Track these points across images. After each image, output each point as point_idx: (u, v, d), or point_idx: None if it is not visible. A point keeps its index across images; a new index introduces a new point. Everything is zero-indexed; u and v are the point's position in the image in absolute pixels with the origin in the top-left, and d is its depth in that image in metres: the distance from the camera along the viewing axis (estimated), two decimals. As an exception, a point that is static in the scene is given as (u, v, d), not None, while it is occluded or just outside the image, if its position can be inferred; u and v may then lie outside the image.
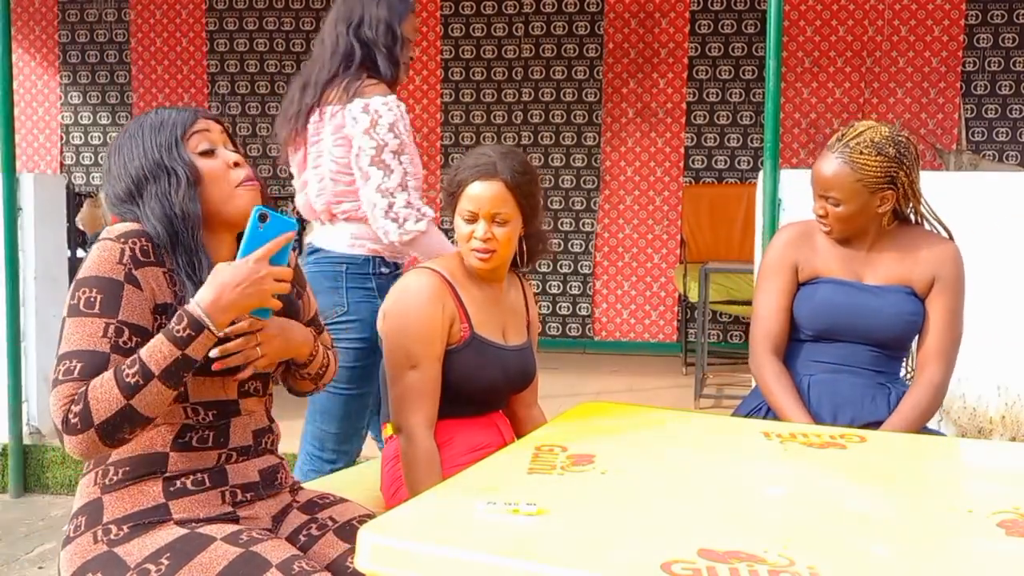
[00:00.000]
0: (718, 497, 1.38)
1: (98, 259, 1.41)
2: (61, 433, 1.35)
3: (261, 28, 6.28)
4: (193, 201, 1.48)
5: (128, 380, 1.34)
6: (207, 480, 1.49)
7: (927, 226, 2.09)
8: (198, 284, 1.45)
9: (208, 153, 1.53)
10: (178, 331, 1.37)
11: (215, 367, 1.44)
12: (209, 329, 1.38)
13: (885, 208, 2.00)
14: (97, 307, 1.38)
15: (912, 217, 2.06)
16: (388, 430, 1.97)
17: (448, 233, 2.19)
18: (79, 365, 1.36)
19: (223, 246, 1.55)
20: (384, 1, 2.35)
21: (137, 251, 1.43)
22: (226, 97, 6.33)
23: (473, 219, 1.85)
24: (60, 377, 1.36)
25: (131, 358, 1.36)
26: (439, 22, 6.10)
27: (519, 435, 2.06)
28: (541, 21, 6.01)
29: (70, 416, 1.34)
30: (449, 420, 1.89)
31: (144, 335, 1.40)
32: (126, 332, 1.39)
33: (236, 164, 1.54)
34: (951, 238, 2.10)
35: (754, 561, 1.08)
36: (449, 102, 6.14)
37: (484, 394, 1.95)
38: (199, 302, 1.39)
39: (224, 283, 1.40)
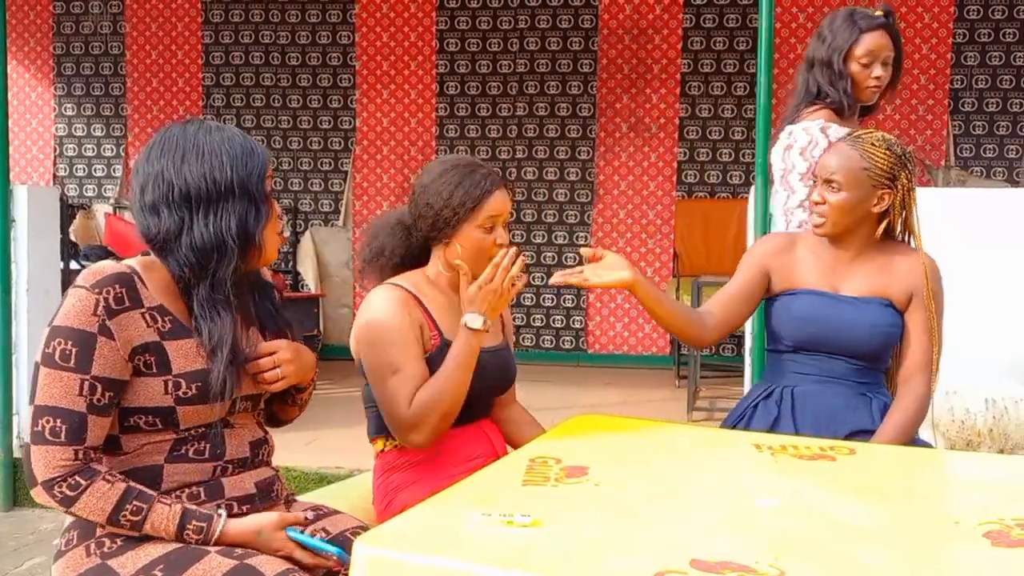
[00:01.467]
0: (710, 508, 1.39)
1: (72, 309, 1.42)
2: (33, 477, 1.40)
3: (257, 41, 6.31)
4: (260, 234, 1.53)
5: (121, 517, 1.41)
6: (202, 493, 1.51)
7: (914, 243, 2.12)
8: (211, 311, 1.48)
9: (270, 196, 1.58)
10: (190, 527, 1.44)
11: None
12: (210, 541, 1.45)
13: (880, 208, 2.03)
14: (72, 361, 1.40)
15: (899, 230, 2.09)
16: (378, 445, 1.98)
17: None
18: (63, 427, 1.40)
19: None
20: (824, 43, 2.55)
21: (111, 300, 1.43)
22: (221, 110, 6.35)
23: (492, 227, 1.89)
24: (47, 435, 1.40)
25: (140, 500, 1.42)
26: (435, 37, 6.14)
27: (507, 437, 2.08)
28: (536, 37, 6.05)
29: (57, 488, 1.39)
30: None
31: (118, 387, 1.44)
32: (99, 388, 1.41)
33: (279, 215, 1.60)
34: (930, 256, 2.13)
35: (746, 571, 1.10)
36: (444, 116, 6.18)
37: (470, 397, 1.96)
38: (228, 528, 1.46)
39: (258, 537, 1.47)
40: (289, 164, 6.34)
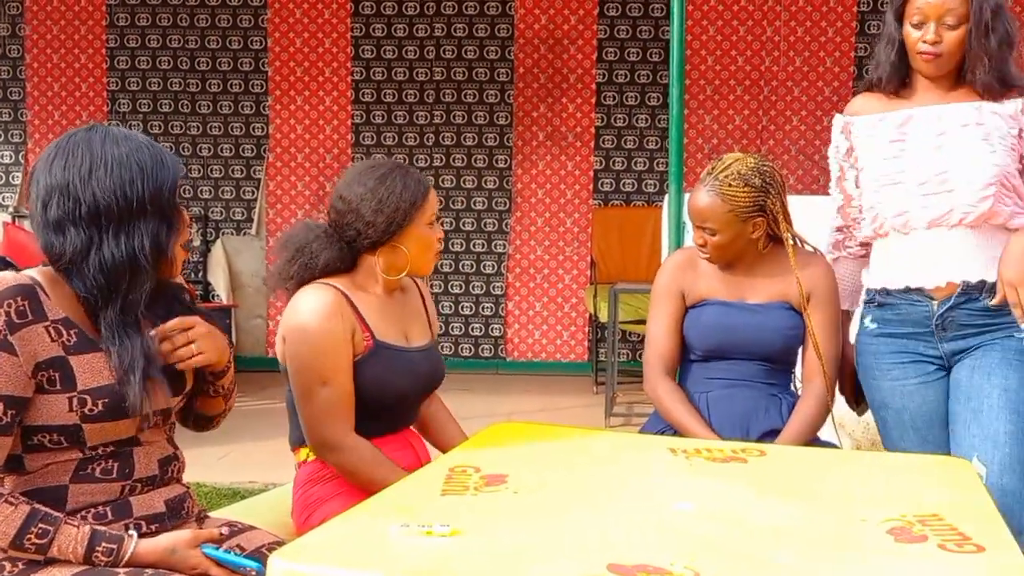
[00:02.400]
0: (627, 513, 1.41)
1: None
2: None
3: (165, 46, 6.14)
4: (172, 249, 1.47)
5: (25, 540, 1.35)
6: (109, 513, 1.45)
7: (799, 245, 2.20)
8: (120, 334, 1.42)
9: (181, 207, 1.52)
10: (99, 549, 1.38)
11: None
12: (120, 564, 1.39)
13: (758, 233, 2.12)
14: None
15: (786, 238, 2.17)
16: (300, 455, 1.94)
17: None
18: None
19: None
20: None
21: (13, 314, 1.36)
22: (127, 116, 6.16)
23: (432, 223, 1.92)
24: None
25: (45, 523, 1.36)
26: (350, 43, 6.08)
27: (430, 435, 2.08)
28: (452, 45, 6.06)
29: None
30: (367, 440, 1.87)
31: (20, 405, 1.37)
32: (1, 407, 1.35)
33: (188, 226, 1.54)
34: (820, 254, 2.21)
35: (661, 574, 1.12)
36: (360, 123, 6.12)
37: (396, 402, 1.94)
38: (140, 550, 1.40)
39: (172, 556, 1.42)
40: (199, 171, 6.18)
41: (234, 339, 6.02)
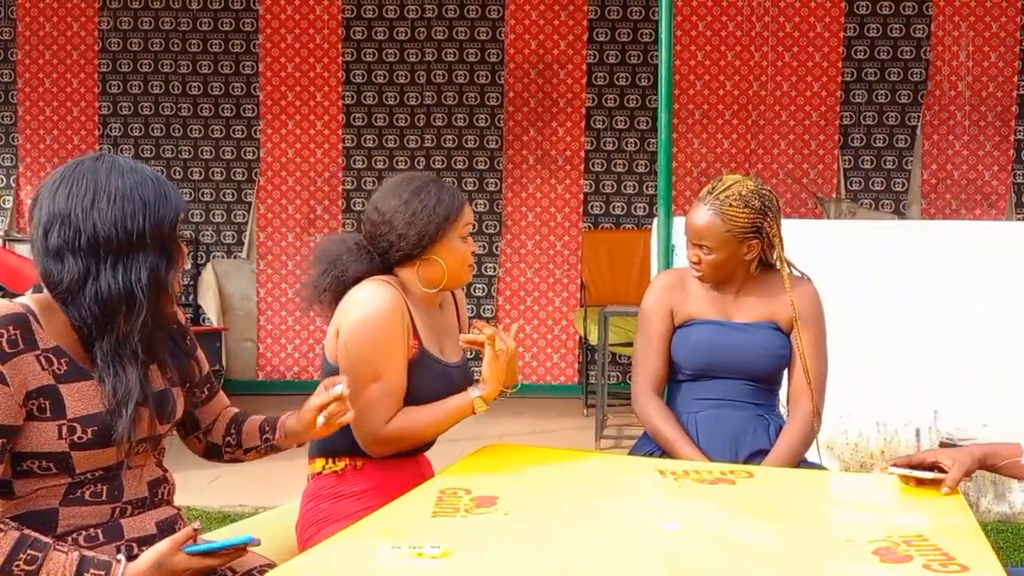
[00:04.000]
0: (616, 534, 1.42)
1: None
2: None
3: (157, 70, 6.17)
4: (171, 283, 1.48)
5: (14, 567, 1.34)
6: (100, 535, 1.45)
7: (789, 270, 2.23)
8: (116, 366, 1.43)
9: (180, 241, 1.54)
10: (87, 575, 1.37)
11: None
12: None
13: (752, 255, 2.15)
14: None
15: (776, 263, 2.20)
16: (315, 465, 1.92)
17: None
18: None
19: None
20: None
21: (5, 343, 1.37)
22: (119, 140, 6.17)
23: (466, 237, 1.94)
24: None
25: (34, 549, 1.35)
26: (341, 68, 6.12)
27: None
28: (443, 69, 6.11)
29: None
30: (380, 462, 1.86)
31: (11, 434, 1.38)
32: None
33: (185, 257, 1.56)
34: (808, 279, 2.24)
35: (650, 594, 1.13)
36: (351, 147, 6.15)
37: None
38: (128, 573, 1.39)
39: (160, 570, 1.42)
40: (190, 195, 6.19)
41: (224, 362, 6.00)
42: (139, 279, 1.43)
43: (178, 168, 6.19)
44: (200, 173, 6.22)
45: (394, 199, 1.90)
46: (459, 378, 1.97)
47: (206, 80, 6.16)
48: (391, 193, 1.91)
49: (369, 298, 1.83)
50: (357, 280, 1.90)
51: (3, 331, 1.37)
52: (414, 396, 1.87)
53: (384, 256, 1.91)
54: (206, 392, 1.72)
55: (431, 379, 1.89)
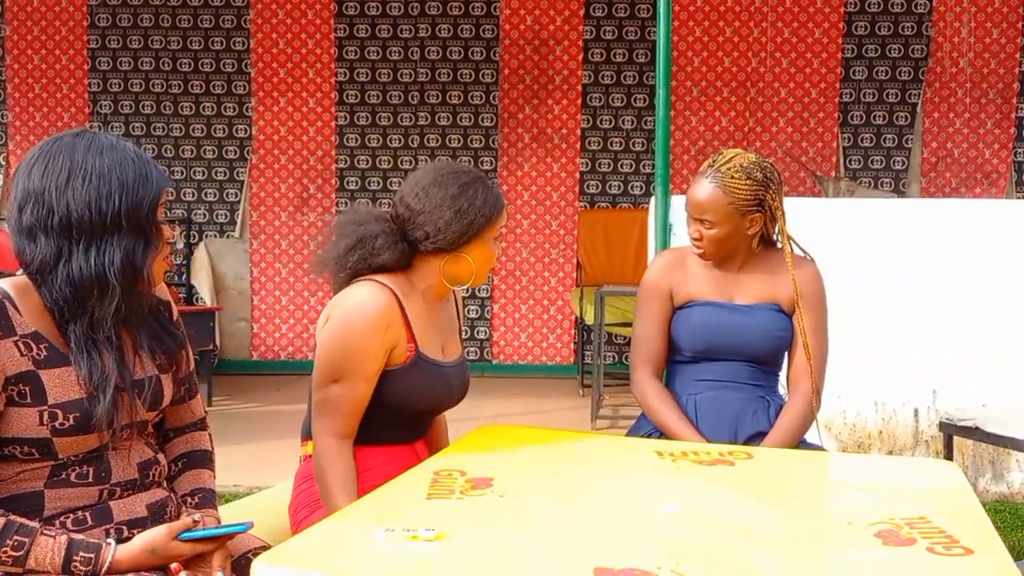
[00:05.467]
0: (613, 516, 1.40)
1: None
2: None
3: (147, 47, 6.10)
4: (148, 268, 1.43)
5: (1, 553, 1.33)
6: (89, 518, 1.43)
7: (796, 249, 2.20)
8: (89, 350, 1.39)
9: (163, 223, 1.48)
10: (77, 559, 1.35)
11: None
12: (100, 573, 1.36)
13: (754, 230, 2.11)
14: None
15: (776, 239, 2.16)
16: (307, 448, 1.90)
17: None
18: None
19: None
20: None
21: None
22: (108, 117, 6.11)
23: (497, 238, 1.91)
24: None
25: (21, 534, 1.33)
26: (333, 44, 6.06)
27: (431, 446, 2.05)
28: (437, 46, 6.04)
29: None
30: (374, 447, 1.84)
31: None
32: None
33: (169, 241, 1.51)
34: (810, 259, 2.21)
35: (648, 578, 1.10)
36: (344, 125, 6.10)
37: (422, 414, 1.93)
38: (119, 556, 1.38)
39: (153, 555, 1.40)
40: (182, 173, 6.14)
41: (218, 342, 5.97)
42: (112, 263, 1.38)
43: (169, 146, 6.13)
44: (191, 151, 6.16)
45: (439, 190, 1.83)
46: (455, 378, 1.94)
47: (196, 57, 6.09)
48: (436, 184, 1.84)
49: (359, 302, 1.79)
50: (382, 267, 1.85)
51: None
52: (411, 397, 1.85)
53: (413, 244, 1.86)
54: (181, 392, 1.64)
55: (427, 380, 1.87)
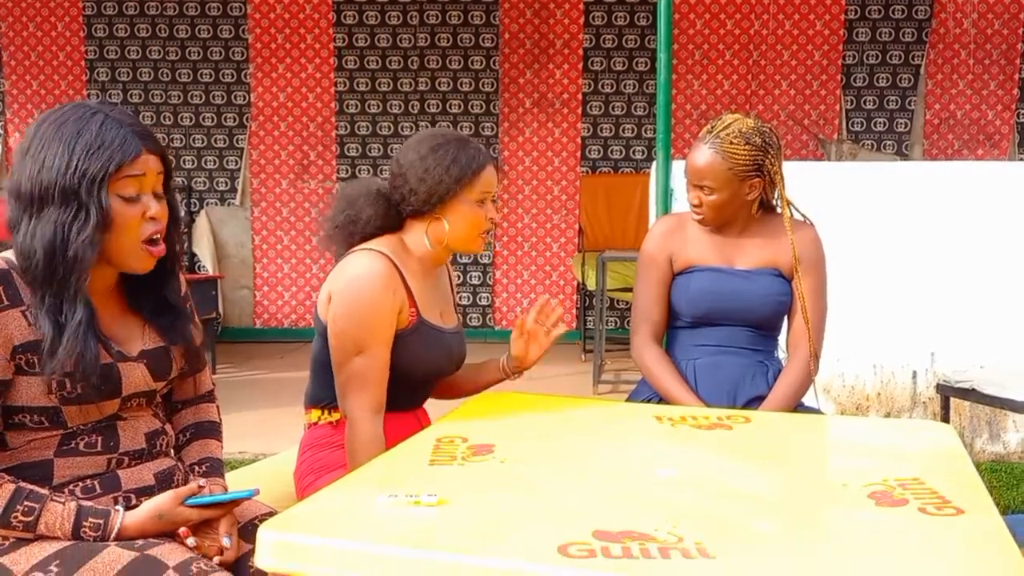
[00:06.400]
0: (612, 480, 1.42)
1: None
2: None
3: (143, 13, 6.05)
4: (92, 247, 1.38)
5: (12, 518, 1.35)
6: (98, 486, 1.46)
7: (795, 213, 2.21)
8: (58, 325, 1.39)
9: (131, 200, 1.42)
10: (86, 524, 1.38)
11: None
12: (109, 538, 1.39)
13: (753, 195, 2.12)
14: None
15: (776, 204, 2.17)
16: (311, 416, 1.93)
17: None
18: None
19: (102, 280, 1.48)
20: None
21: None
22: (106, 85, 6.08)
23: (483, 202, 1.89)
24: None
25: (31, 500, 1.36)
26: (331, 9, 6.00)
27: (459, 389, 2.09)
28: (436, 10, 5.99)
29: None
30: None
31: (1, 388, 1.38)
32: None
33: (152, 218, 1.45)
34: (810, 223, 2.22)
35: (646, 540, 1.13)
36: (343, 91, 6.07)
37: (424, 380, 1.96)
38: (127, 522, 1.40)
39: (160, 520, 1.42)
40: (181, 141, 6.12)
41: (220, 310, 6.00)
42: (43, 235, 1.37)
43: (168, 113, 6.11)
44: (190, 119, 6.14)
45: (413, 153, 1.87)
46: (455, 344, 1.97)
47: (193, 23, 6.05)
48: (413, 147, 1.89)
49: (358, 272, 1.82)
50: (368, 222, 1.89)
51: None
52: (414, 362, 1.88)
53: (398, 207, 1.90)
54: (189, 364, 1.63)
55: (429, 345, 1.90)
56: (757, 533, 1.20)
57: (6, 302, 1.38)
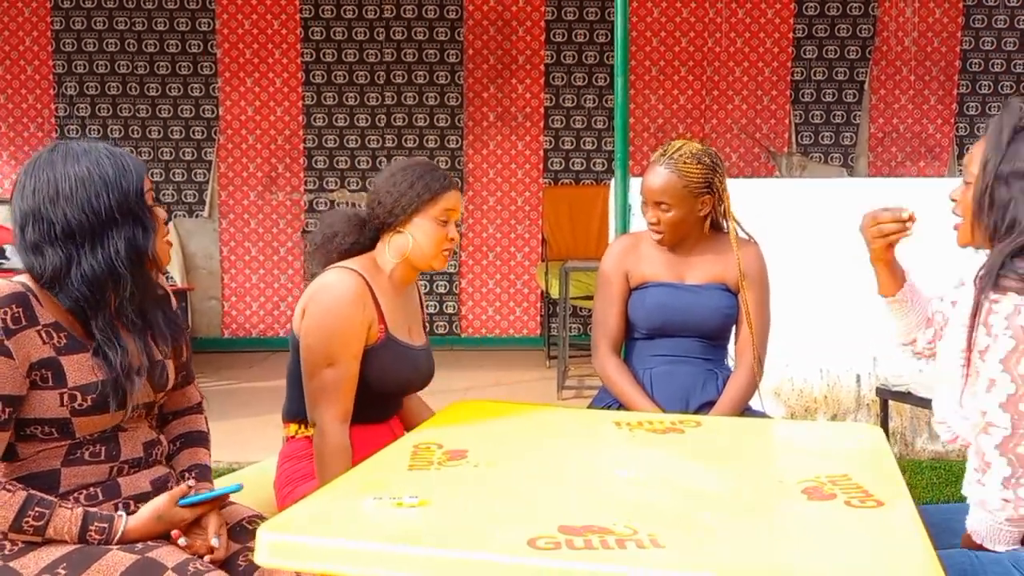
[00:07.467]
0: (575, 481, 1.57)
1: None
2: None
3: (111, 28, 6.09)
4: (152, 249, 1.57)
5: (23, 523, 1.46)
6: (100, 493, 1.57)
7: (740, 232, 2.38)
8: (115, 338, 1.54)
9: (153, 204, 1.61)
10: (92, 528, 1.49)
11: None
12: (113, 541, 1.50)
13: (705, 211, 2.30)
14: None
15: (723, 221, 2.35)
16: (289, 429, 2.04)
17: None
18: None
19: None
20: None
21: (8, 320, 1.47)
22: (74, 99, 6.10)
23: (446, 222, 2.01)
24: None
25: (41, 507, 1.47)
26: (299, 25, 6.10)
27: (405, 422, 2.18)
28: (402, 26, 6.11)
29: None
30: (354, 427, 1.96)
31: (16, 403, 1.48)
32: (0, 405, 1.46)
33: (165, 222, 1.64)
34: (754, 241, 2.40)
35: (605, 533, 1.27)
36: (311, 105, 6.16)
37: (393, 394, 2.07)
38: (130, 526, 1.52)
39: (159, 522, 1.54)
40: (149, 154, 6.17)
41: (189, 321, 6.05)
42: (117, 253, 1.52)
43: (136, 127, 6.15)
44: (159, 132, 6.19)
45: (386, 174, 2.04)
46: (423, 360, 2.09)
47: (162, 37, 6.10)
48: (387, 171, 2.06)
49: (332, 287, 1.93)
50: (344, 241, 2.03)
51: (7, 309, 1.47)
52: (383, 376, 1.98)
53: (372, 226, 2.05)
54: (181, 377, 1.79)
55: (397, 360, 2.01)
56: (703, 525, 1.35)
57: (24, 323, 1.49)
